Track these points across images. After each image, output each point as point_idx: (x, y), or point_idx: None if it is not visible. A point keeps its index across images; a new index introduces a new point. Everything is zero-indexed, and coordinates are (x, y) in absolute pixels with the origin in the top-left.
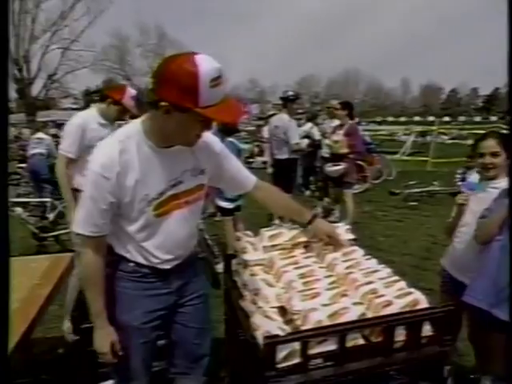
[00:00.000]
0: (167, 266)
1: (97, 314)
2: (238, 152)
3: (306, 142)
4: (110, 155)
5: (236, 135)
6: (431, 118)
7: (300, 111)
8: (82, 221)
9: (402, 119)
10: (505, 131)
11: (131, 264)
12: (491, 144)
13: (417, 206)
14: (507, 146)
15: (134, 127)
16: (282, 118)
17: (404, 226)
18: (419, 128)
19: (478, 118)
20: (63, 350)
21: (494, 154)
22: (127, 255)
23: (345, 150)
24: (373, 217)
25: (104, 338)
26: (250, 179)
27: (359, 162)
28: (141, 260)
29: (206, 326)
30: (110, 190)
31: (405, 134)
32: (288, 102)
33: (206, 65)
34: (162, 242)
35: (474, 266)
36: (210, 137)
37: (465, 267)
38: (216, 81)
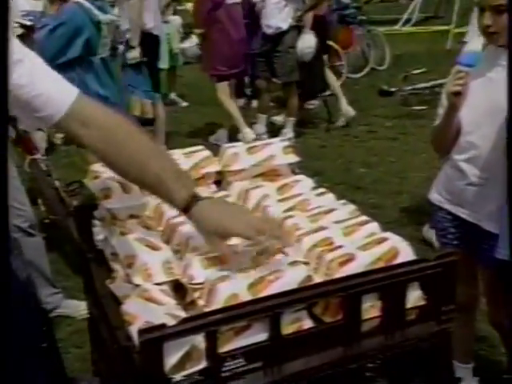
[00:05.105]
0: None
1: None
2: (96, 27)
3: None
4: None
5: None
6: None
7: None
8: None
9: None
10: None
11: None
12: None
13: (424, 113)
14: None
15: None
16: None
17: (400, 148)
18: None
19: None
20: None
21: (497, 10)
22: None
23: None
24: (349, 134)
25: None
26: (62, 100)
27: (328, 43)
28: None
29: None
30: None
31: None
32: None
33: None
34: None
35: (497, 196)
36: None
37: (481, 201)
38: None
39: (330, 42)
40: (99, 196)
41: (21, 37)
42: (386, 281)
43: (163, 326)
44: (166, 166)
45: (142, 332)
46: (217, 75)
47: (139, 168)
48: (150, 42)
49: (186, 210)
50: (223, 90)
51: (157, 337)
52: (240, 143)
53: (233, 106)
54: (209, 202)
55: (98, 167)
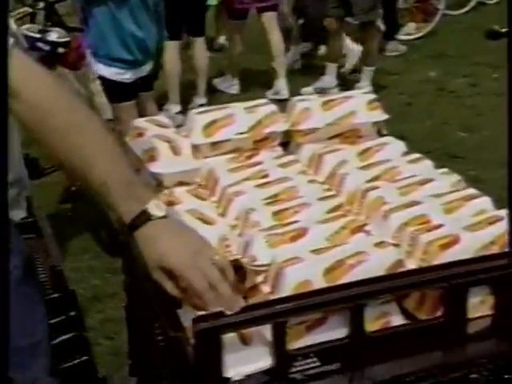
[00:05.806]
0: None
1: None
2: None
3: None
4: None
5: None
6: None
7: None
8: None
9: None
10: None
11: None
12: None
13: None
14: None
15: None
16: None
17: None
18: None
19: None
20: None
21: None
22: None
23: None
24: (444, 88)
25: None
26: None
27: None
28: None
29: None
30: None
31: None
32: None
33: None
34: None
35: None
36: None
37: None
38: None
39: None
40: (143, 158)
41: None
42: (501, 271)
43: (221, 314)
44: (117, 168)
45: (196, 320)
46: (237, 10)
47: (82, 166)
48: None
49: (132, 228)
50: (237, 29)
51: (213, 327)
52: (314, 96)
53: (238, 52)
54: (162, 223)
55: (141, 122)
